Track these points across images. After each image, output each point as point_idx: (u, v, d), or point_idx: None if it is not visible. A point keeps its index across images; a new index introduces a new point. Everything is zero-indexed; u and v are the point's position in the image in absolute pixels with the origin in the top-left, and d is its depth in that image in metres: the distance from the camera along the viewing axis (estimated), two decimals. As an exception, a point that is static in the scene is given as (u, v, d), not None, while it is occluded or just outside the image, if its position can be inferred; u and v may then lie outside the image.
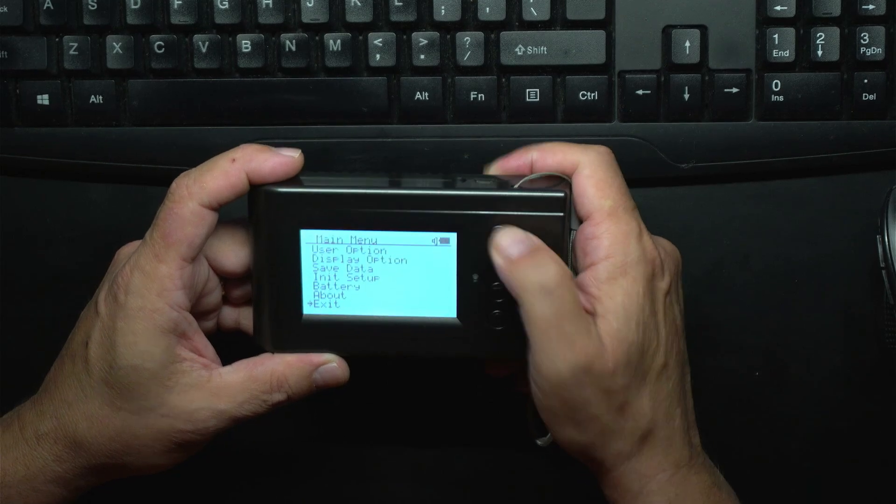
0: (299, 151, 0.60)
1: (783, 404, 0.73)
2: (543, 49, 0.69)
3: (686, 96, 0.69)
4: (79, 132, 0.71)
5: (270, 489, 0.75)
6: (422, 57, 0.69)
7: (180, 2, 0.69)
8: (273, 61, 0.70)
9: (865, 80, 0.68)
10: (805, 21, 0.68)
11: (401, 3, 0.69)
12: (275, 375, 0.60)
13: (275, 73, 0.70)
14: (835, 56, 0.68)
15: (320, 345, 0.61)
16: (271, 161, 0.59)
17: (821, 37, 0.68)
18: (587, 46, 0.69)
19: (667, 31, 0.69)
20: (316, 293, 0.61)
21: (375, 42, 0.69)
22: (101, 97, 0.70)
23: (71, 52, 0.69)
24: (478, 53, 0.69)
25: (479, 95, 0.69)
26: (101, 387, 0.59)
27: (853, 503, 0.74)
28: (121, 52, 0.69)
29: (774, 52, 0.68)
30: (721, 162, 0.70)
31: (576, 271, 0.59)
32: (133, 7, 0.69)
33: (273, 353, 0.61)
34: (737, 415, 0.73)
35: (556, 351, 0.55)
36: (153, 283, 0.58)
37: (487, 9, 0.69)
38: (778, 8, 0.68)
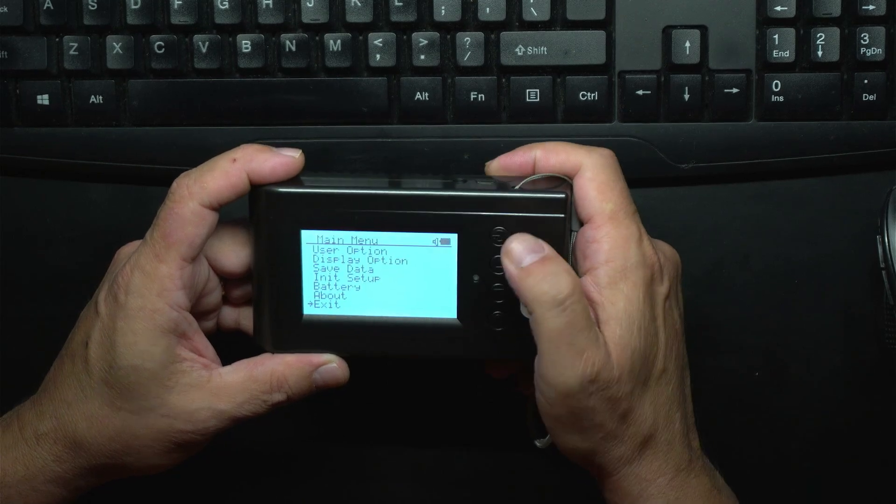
0: (300, 152, 0.60)
1: (783, 404, 0.73)
2: (543, 49, 0.69)
3: (686, 96, 0.69)
4: (79, 132, 0.71)
5: (270, 489, 0.75)
6: (422, 57, 0.69)
7: (180, 2, 0.69)
8: (273, 61, 0.70)
9: (865, 81, 0.68)
10: (805, 21, 0.68)
11: (401, 4, 0.69)
12: (275, 376, 0.60)
13: (275, 74, 0.70)
14: (835, 56, 0.68)
15: (320, 345, 0.61)
16: (272, 161, 0.59)
17: (821, 37, 0.68)
18: (587, 47, 0.69)
19: (667, 31, 0.69)
20: (316, 293, 0.61)
21: (375, 42, 0.69)
22: (101, 97, 0.70)
23: (71, 52, 0.69)
24: (478, 54, 0.69)
25: (480, 96, 0.69)
26: (101, 387, 0.59)
27: (853, 503, 0.74)
28: (121, 52, 0.69)
29: (774, 52, 0.68)
30: (721, 162, 0.70)
31: (576, 272, 0.59)
32: (133, 7, 0.69)
33: (273, 353, 0.61)
34: (737, 415, 0.73)
35: (564, 362, 0.55)
36: (153, 283, 0.58)
37: (487, 9, 0.69)
38: (778, 8, 0.68)
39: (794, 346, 0.73)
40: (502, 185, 0.60)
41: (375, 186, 0.60)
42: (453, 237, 0.59)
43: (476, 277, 0.60)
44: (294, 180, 0.60)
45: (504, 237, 0.58)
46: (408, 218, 0.59)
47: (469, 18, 0.69)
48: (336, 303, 0.61)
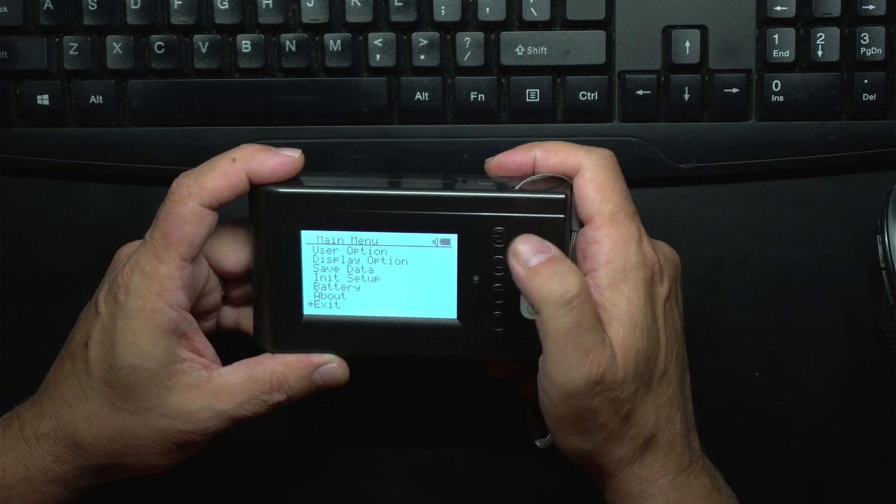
0: (300, 151, 0.60)
1: (783, 404, 0.73)
2: (543, 49, 0.69)
3: (686, 96, 0.69)
4: (79, 132, 0.71)
5: (270, 489, 0.75)
6: (422, 57, 0.69)
7: (180, 2, 0.69)
8: (273, 61, 0.70)
9: (865, 81, 0.68)
10: (805, 21, 0.68)
11: (401, 4, 0.69)
12: (275, 376, 0.60)
13: (275, 74, 0.70)
14: (835, 56, 0.68)
15: (320, 345, 0.61)
16: (272, 161, 0.59)
17: (821, 37, 0.68)
18: (587, 47, 0.69)
19: (667, 31, 0.69)
20: (316, 293, 0.61)
21: (375, 42, 0.69)
22: (101, 97, 0.70)
23: (71, 52, 0.69)
24: (478, 54, 0.69)
25: (479, 96, 0.69)
26: (101, 387, 0.59)
27: (853, 503, 0.74)
28: (121, 52, 0.69)
29: (774, 52, 0.68)
30: (721, 162, 0.70)
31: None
32: (133, 7, 0.69)
33: (273, 353, 0.61)
34: (737, 415, 0.73)
35: (571, 362, 0.55)
36: (153, 283, 0.58)
37: (487, 9, 0.69)
38: (778, 8, 0.68)
39: (794, 346, 0.73)
40: (502, 185, 0.60)
41: (375, 186, 0.60)
42: (453, 237, 0.59)
43: (476, 278, 0.60)
44: (294, 180, 0.60)
45: (504, 237, 0.59)
46: (408, 218, 0.59)
47: (469, 18, 0.69)
48: (336, 303, 0.61)
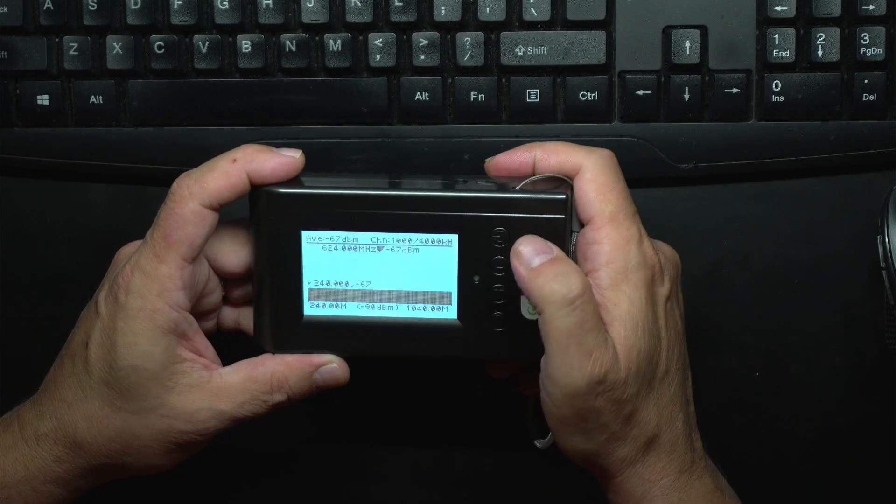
0: (300, 152, 0.60)
1: (783, 404, 0.73)
2: (543, 49, 0.69)
3: (686, 96, 0.69)
4: (79, 132, 0.71)
5: (270, 489, 0.75)
6: (422, 57, 0.69)
7: (180, 2, 0.69)
8: (273, 61, 0.70)
9: (866, 81, 0.68)
10: (805, 21, 0.68)
11: (401, 4, 0.69)
12: (275, 376, 0.60)
13: (275, 74, 0.70)
14: (835, 56, 0.68)
15: (321, 345, 0.61)
16: (272, 161, 0.59)
17: (821, 37, 0.68)
18: (587, 47, 0.69)
19: (667, 31, 0.69)
20: (317, 294, 0.61)
21: (375, 42, 0.69)
22: (101, 97, 0.70)
23: (71, 52, 0.69)
24: (478, 54, 0.69)
25: (480, 96, 0.69)
26: (101, 387, 0.59)
27: (853, 503, 0.74)
28: (121, 52, 0.69)
29: (775, 52, 0.68)
30: (721, 162, 0.70)
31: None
32: (133, 7, 0.69)
33: (273, 353, 0.61)
34: (737, 415, 0.73)
35: (573, 362, 0.55)
36: (153, 284, 0.58)
37: (487, 9, 0.69)
38: (778, 8, 0.68)
39: (794, 346, 0.73)
40: (502, 185, 0.60)
41: (375, 187, 0.60)
42: (454, 238, 0.59)
43: (476, 278, 0.60)
44: (294, 180, 0.60)
45: (505, 238, 0.59)
46: (408, 218, 0.59)
47: (469, 18, 0.69)
48: (336, 303, 0.61)
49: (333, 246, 0.60)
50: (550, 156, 0.60)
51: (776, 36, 0.68)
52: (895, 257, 0.67)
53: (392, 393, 0.74)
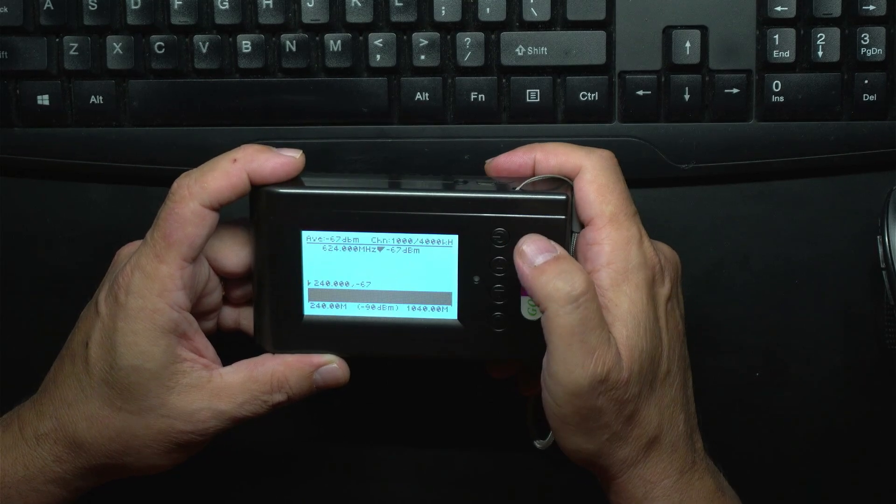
0: (300, 152, 0.60)
1: (783, 404, 0.73)
2: (544, 49, 0.69)
3: (686, 97, 0.69)
4: (79, 132, 0.71)
5: (270, 489, 0.75)
6: (422, 57, 0.69)
7: (180, 2, 0.69)
8: (273, 62, 0.70)
9: (866, 81, 0.68)
10: (805, 21, 0.68)
11: (401, 4, 0.69)
12: (275, 376, 0.60)
13: (275, 74, 0.70)
14: (835, 57, 0.68)
15: (321, 345, 0.61)
16: (272, 161, 0.59)
17: (821, 37, 0.68)
18: (587, 47, 0.69)
19: (667, 31, 0.69)
20: (317, 294, 0.61)
21: (376, 42, 0.69)
22: (101, 97, 0.70)
23: (71, 52, 0.69)
24: (478, 54, 0.69)
25: (480, 96, 0.69)
26: (101, 387, 0.59)
27: (853, 503, 0.74)
28: (121, 52, 0.69)
29: (775, 52, 0.68)
30: (721, 162, 0.70)
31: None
32: (133, 7, 0.69)
33: (273, 353, 0.61)
34: (737, 415, 0.73)
35: (576, 360, 0.55)
36: (154, 284, 0.58)
37: (488, 9, 0.69)
38: (778, 8, 0.68)
39: (794, 346, 0.73)
40: (503, 186, 0.60)
41: (376, 187, 0.60)
42: (454, 238, 0.59)
43: (476, 278, 0.60)
44: (294, 181, 0.60)
45: (505, 238, 0.59)
46: (408, 219, 0.59)
47: (469, 18, 0.69)
48: (336, 303, 0.61)
49: (334, 246, 0.60)
50: (550, 156, 0.60)
51: (776, 36, 0.68)
52: (895, 257, 0.67)
53: (392, 393, 0.74)
